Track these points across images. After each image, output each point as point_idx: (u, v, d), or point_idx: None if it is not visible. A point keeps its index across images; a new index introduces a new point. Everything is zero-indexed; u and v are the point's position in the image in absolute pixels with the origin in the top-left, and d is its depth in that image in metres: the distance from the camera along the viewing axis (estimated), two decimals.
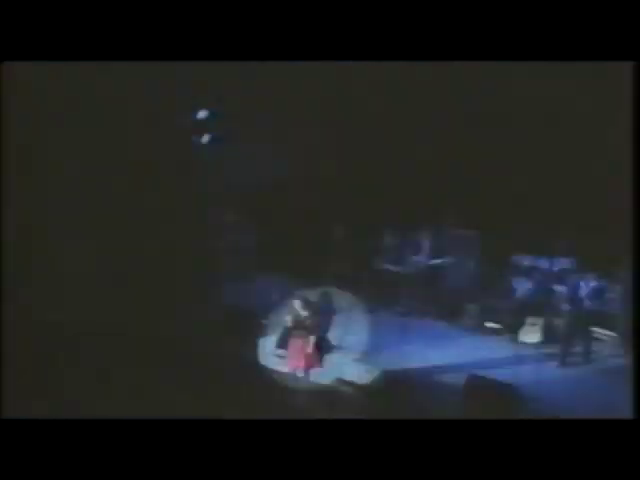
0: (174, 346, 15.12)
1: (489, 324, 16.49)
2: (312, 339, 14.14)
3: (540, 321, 15.67)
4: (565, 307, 15.58)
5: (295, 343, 14.32)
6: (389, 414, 12.63)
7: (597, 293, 15.36)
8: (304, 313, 14.21)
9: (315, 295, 15.45)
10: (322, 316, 14.93)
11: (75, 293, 15.79)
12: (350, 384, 14.44)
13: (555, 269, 16.80)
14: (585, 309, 15.29)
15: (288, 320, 14.38)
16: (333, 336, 15.50)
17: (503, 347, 15.65)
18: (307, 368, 14.24)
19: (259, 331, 15.64)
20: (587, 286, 15.36)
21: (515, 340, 15.35)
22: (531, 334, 15.55)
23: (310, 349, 14.14)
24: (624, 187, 12.65)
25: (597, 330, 15.66)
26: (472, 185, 17.60)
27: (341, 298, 16.46)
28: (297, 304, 14.30)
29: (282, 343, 14.75)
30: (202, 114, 16.22)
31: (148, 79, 15.76)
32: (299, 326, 14.22)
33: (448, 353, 15.49)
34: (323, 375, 14.50)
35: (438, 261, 17.15)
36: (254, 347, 15.32)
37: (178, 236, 16.92)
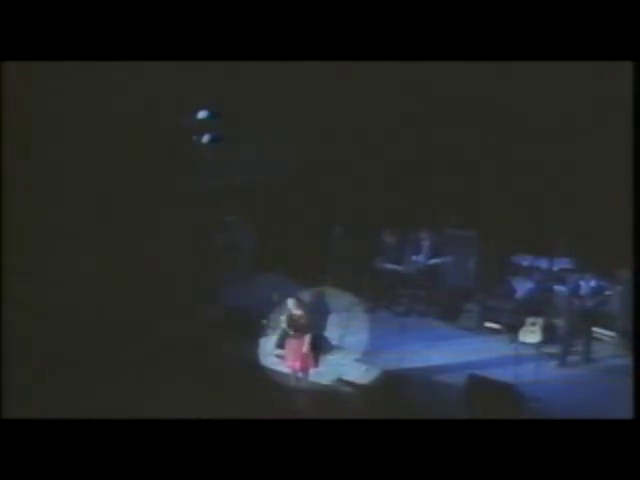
0: (174, 346, 15.13)
1: (489, 324, 16.49)
2: (307, 339, 14.13)
3: (540, 321, 15.66)
4: (565, 307, 15.58)
5: (291, 343, 14.31)
6: (389, 414, 12.62)
7: (597, 293, 15.36)
8: (297, 313, 14.20)
9: (309, 295, 15.45)
10: (316, 315, 14.91)
11: (75, 293, 15.80)
12: (350, 384, 14.45)
13: (555, 269, 16.82)
14: (585, 309, 15.29)
15: (283, 320, 14.39)
16: (332, 336, 15.52)
17: (503, 347, 15.65)
18: (303, 368, 14.23)
19: (259, 331, 15.65)
20: (587, 286, 15.36)
21: (515, 340, 15.34)
22: (531, 334, 15.54)
23: (305, 349, 14.13)
24: (624, 187, 12.64)
25: (597, 330, 15.66)
26: (472, 185, 17.61)
27: (339, 298, 16.47)
28: (290, 304, 14.30)
29: (281, 343, 14.75)
30: (202, 114, 16.21)
31: (148, 79, 15.75)
32: (294, 326, 14.21)
33: (448, 353, 15.49)
34: (323, 375, 14.50)
35: (438, 261, 17.14)
36: (254, 347, 15.33)
37: (178, 236, 16.92)
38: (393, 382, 14.00)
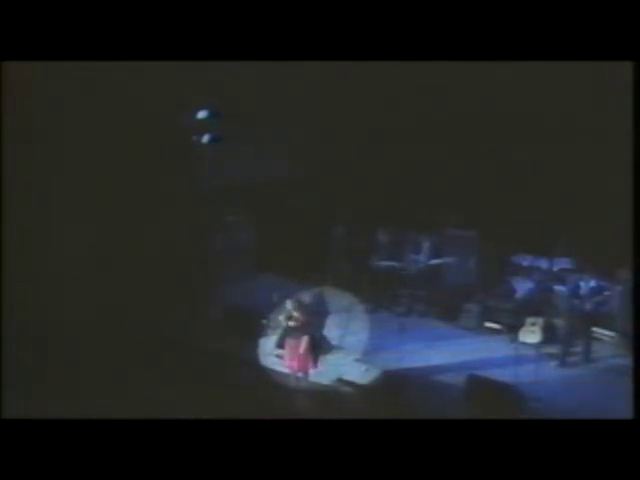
0: (174, 346, 15.13)
1: (489, 324, 16.49)
2: (305, 339, 14.14)
3: (540, 321, 15.65)
4: (565, 307, 15.58)
5: (290, 343, 14.32)
6: (389, 414, 12.63)
7: (597, 293, 15.35)
8: (296, 314, 14.22)
9: (308, 295, 15.45)
10: (315, 316, 14.91)
11: (75, 293, 15.80)
12: (350, 384, 14.45)
13: (555, 269, 16.81)
14: (585, 309, 15.29)
15: (282, 320, 14.41)
16: (332, 336, 15.52)
17: (503, 347, 15.65)
18: (301, 368, 14.24)
19: (259, 331, 15.65)
20: (587, 286, 15.35)
21: (515, 340, 15.34)
22: (531, 334, 15.53)
23: (302, 349, 14.14)
24: (624, 187, 12.64)
25: (597, 330, 15.66)
26: (472, 185, 17.60)
27: (339, 298, 16.46)
28: (289, 304, 14.33)
29: (281, 343, 14.75)
30: (202, 114, 16.21)
31: (148, 79, 15.76)
32: (293, 326, 14.23)
33: (448, 353, 15.48)
34: (323, 375, 14.50)
35: (438, 261, 17.14)
36: (254, 347, 15.33)
37: (178, 236, 16.92)
38: (393, 382, 14.01)
